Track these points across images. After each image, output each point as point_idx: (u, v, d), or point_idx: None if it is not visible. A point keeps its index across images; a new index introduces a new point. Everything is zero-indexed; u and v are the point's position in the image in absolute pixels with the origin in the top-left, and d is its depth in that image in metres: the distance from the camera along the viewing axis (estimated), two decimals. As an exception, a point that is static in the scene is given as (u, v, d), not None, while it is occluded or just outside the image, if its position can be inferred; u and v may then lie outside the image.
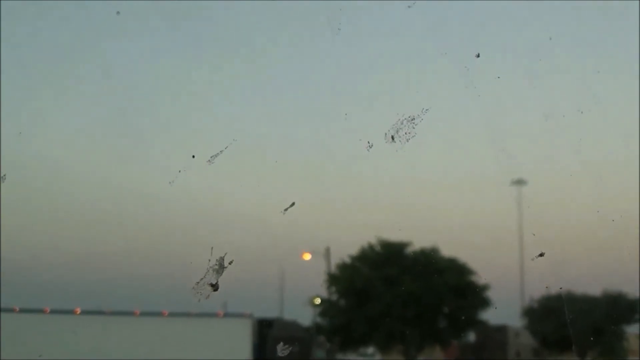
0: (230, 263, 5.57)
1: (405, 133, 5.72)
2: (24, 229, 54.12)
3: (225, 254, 5.54)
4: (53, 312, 25.61)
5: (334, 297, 46.09)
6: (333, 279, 45.79)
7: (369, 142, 5.86)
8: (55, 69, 61.50)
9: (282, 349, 7.48)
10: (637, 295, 46.18)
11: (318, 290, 45.89)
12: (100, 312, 26.17)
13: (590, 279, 45.93)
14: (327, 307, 45.32)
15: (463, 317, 44.27)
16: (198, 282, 5.54)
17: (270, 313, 47.78)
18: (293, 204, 6.09)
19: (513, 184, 49.84)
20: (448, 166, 56.16)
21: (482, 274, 44.72)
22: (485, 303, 44.86)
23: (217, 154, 5.94)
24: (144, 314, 26.51)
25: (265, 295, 58.93)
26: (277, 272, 62.88)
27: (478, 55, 6.63)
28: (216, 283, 5.56)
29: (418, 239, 45.99)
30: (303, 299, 45.87)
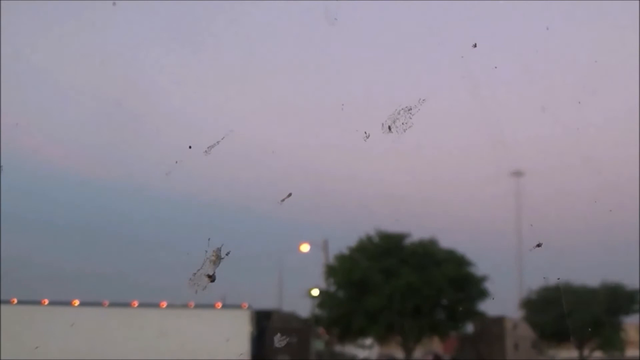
0: (227, 254, 5.56)
1: (403, 123, 5.70)
2: (21, 221, 54.10)
3: (222, 245, 5.53)
4: (51, 303, 25.64)
5: (332, 289, 46.13)
6: (331, 271, 45.80)
7: (366, 133, 5.85)
8: (52, 61, 61.44)
9: (279, 340, 7.49)
10: (636, 286, 46.30)
11: (316, 282, 45.93)
12: (98, 304, 26.20)
13: (588, 270, 46.04)
14: (325, 298, 45.33)
15: (461, 309, 44.33)
16: (195, 274, 5.53)
17: (268, 304, 47.85)
18: (290, 194, 6.08)
19: (511, 175, 49.97)
20: (445, 157, 56.23)
21: (480, 265, 44.73)
22: (483, 294, 44.93)
23: (214, 144, 5.93)
24: (142, 305, 26.55)
25: (263, 287, 59.04)
26: (275, 263, 63.00)
27: (475, 46, 6.61)
28: (213, 274, 5.55)
29: (416, 231, 46.07)
30: (301, 291, 45.89)
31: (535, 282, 50.00)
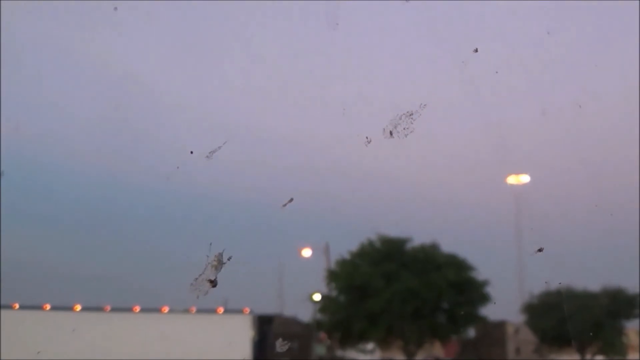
0: (229, 259, 5.55)
1: (404, 128, 5.70)
2: (23, 226, 54.15)
3: (224, 250, 5.52)
4: (53, 308, 25.64)
5: (334, 293, 46.13)
6: (333, 275, 45.81)
7: (367, 138, 5.84)
8: (53, 65, 61.50)
9: (281, 345, 7.48)
10: (637, 290, 46.28)
11: (318, 287, 45.95)
12: (99, 309, 26.19)
13: (589, 274, 46.01)
14: (326, 303, 45.34)
15: (462, 313, 44.31)
16: (197, 279, 5.52)
17: (270, 309, 47.93)
18: (291, 199, 6.08)
19: (511, 179, 49.89)
20: (447, 161, 56.27)
21: (481, 270, 44.74)
22: (484, 299, 44.92)
23: (216, 149, 5.92)
24: (143, 310, 26.54)
25: (265, 292, 59.01)
26: (276, 268, 62.95)
27: (476, 51, 6.62)
28: (215, 279, 5.54)
29: (417, 235, 46.08)
30: (303, 295, 45.91)
31: (536, 286, 50.02)
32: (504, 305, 54.54)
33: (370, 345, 50.81)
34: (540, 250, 6.55)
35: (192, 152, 6.24)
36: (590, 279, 47.14)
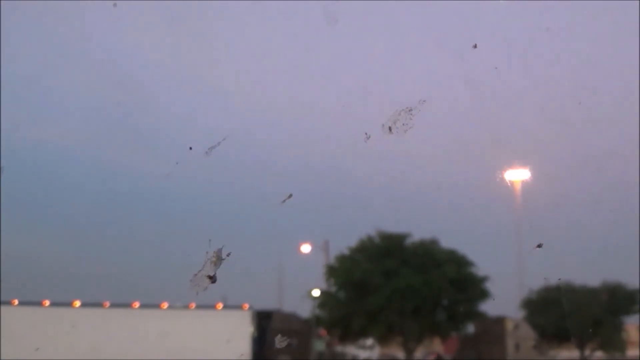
0: (228, 255, 5.55)
1: (403, 124, 5.70)
2: (22, 222, 54.14)
3: (223, 246, 5.52)
4: (52, 304, 25.63)
5: (333, 289, 46.13)
6: (332, 271, 45.80)
7: (366, 134, 5.85)
8: (53, 62, 61.46)
9: (280, 341, 7.48)
10: (636, 286, 46.31)
11: (317, 283, 45.96)
12: (99, 305, 26.18)
13: (589, 270, 46.02)
14: (326, 299, 45.34)
15: (462, 309, 44.33)
16: (196, 275, 5.52)
17: (269, 305, 47.90)
18: (290, 195, 6.07)
19: (511, 175, 49.91)
20: (446, 157, 56.23)
21: (481, 266, 44.72)
22: (484, 295, 44.93)
23: (215, 145, 5.92)
24: (143, 306, 26.53)
25: (264, 288, 59.08)
26: (275, 264, 63.04)
27: (475, 46, 6.61)
28: (214, 275, 5.55)
29: (417, 231, 46.09)
30: (302, 291, 45.93)
31: (535, 282, 49.99)
32: (504, 301, 54.59)
33: (369, 342, 50.87)
34: (539, 245, 6.55)
35: (191, 148, 6.24)
36: (589, 274, 47.18)
